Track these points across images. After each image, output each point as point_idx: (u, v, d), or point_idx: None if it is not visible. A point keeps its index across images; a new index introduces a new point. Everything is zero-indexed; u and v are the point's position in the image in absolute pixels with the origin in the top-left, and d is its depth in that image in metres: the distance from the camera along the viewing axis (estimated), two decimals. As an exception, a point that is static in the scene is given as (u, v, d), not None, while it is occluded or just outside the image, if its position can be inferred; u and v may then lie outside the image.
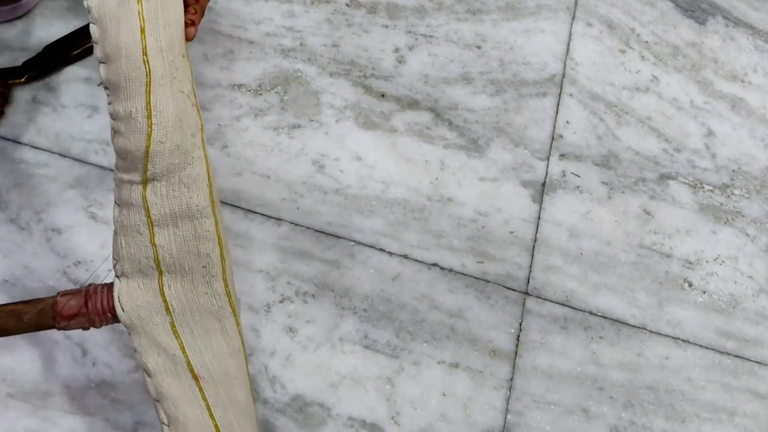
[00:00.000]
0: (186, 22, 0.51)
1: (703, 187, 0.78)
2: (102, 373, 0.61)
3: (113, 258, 0.50)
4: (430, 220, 0.72)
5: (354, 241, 0.70)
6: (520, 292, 0.69)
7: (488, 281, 0.69)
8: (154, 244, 0.49)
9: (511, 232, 0.72)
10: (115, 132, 0.49)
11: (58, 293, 0.50)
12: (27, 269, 0.64)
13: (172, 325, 0.49)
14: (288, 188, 0.71)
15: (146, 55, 0.48)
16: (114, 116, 0.49)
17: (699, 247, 0.74)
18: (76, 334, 0.62)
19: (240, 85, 0.76)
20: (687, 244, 0.74)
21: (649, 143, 0.79)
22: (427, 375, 0.64)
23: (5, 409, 0.59)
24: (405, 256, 0.69)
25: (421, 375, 0.64)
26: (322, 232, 0.70)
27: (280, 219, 0.70)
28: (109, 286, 0.50)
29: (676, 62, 0.85)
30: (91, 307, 0.50)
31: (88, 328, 0.50)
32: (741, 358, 0.70)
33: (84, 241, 0.66)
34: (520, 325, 0.68)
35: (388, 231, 0.70)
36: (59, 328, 0.50)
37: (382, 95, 0.77)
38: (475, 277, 0.69)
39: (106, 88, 0.49)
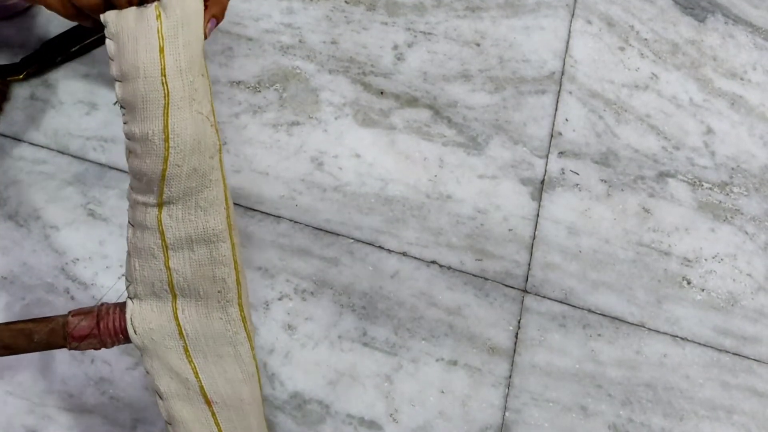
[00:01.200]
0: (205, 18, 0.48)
1: (702, 185, 0.78)
2: (101, 370, 0.61)
3: (126, 279, 0.49)
4: (428, 217, 0.72)
5: (353, 238, 0.70)
6: (518, 289, 0.69)
7: (487, 279, 0.69)
8: (168, 268, 0.48)
9: (509, 230, 0.72)
10: (130, 152, 0.48)
11: (70, 312, 0.49)
12: (25, 266, 0.64)
13: (186, 350, 0.48)
14: (287, 185, 0.71)
15: (165, 76, 0.46)
16: (130, 137, 0.47)
17: (698, 244, 0.74)
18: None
19: (239, 82, 0.76)
20: (686, 241, 0.74)
21: (649, 141, 0.79)
22: (425, 372, 0.65)
23: (3, 407, 0.59)
24: (404, 254, 0.69)
25: (419, 372, 0.64)
26: (320, 229, 0.70)
27: (278, 216, 0.70)
28: (122, 307, 0.49)
29: (676, 60, 0.85)
30: (103, 327, 0.49)
31: (99, 349, 0.49)
32: (739, 355, 0.70)
33: (82, 239, 0.66)
34: (519, 322, 0.68)
35: (387, 228, 0.70)
36: (70, 348, 0.49)
37: (381, 92, 0.77)
38: (473, 275, 0.69)
39: (121, 107, 0.47)
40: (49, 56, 0.72)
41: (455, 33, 0.82)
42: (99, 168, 0.69)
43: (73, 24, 0.73)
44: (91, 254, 0.65)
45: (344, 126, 0.75)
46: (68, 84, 0.73)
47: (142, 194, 0.48)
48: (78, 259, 0.65)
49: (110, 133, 0.71)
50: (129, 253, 0.49)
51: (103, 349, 0.61)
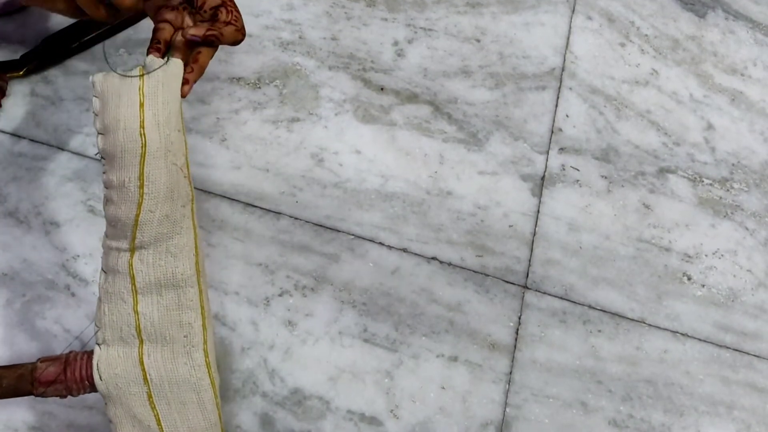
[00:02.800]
0: (182, 80, 0.51)
1: (703, 181, 0.78)
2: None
3: (95, 325, 0.50)
4: (429, 213, 0.72)
5: (353, 234, 0.70)
6: (519, 285, 0.69)
7: (487, 275, 0.69)
8: (136, 312, 0.49)
9: (510, 226, 0.72)
10: (107, 200, 0.50)
11: (39, 359, 0.50)
12: (26, 262, 0.64)
13: (149, 396, 0.49)
14: (287, 182, 0.71)
15: (143, 128, 0.49)
16: (107, 185, 0.50)
17: (698, 240, 0.74)
18: (76, 326, 0.62)
19: (239, 78, 0.76)
20: (686, 237, 0.74)
21: (649, 137, 0.79)
22: (426, 368, 0.65)
23: (4, 403, 0.59)
24: (404, 250, 0.69)
25: (420, 368, 0.64)
26: (321, 225, 0.70)
27: (279, 213, 0.69)
28: (89, 355, 0.50)
29: (676, 56, 0.85)
30: (70, 374, 0.50)
31: (65, 396, 0.50)
32: (740, 351, 0.70)
33: (82, 235, 0.66)
34: (519, 318, 0.68)
35: (387, 225, 0.70)
36: (36, 394, 0.50)
37: (381, 89, 0.77)
38: (474, 271, 0.69)
39: (102, 157, 0.50)
40: (49, 53, 0.72)
41: (455, 29, 0.82)
42: (99, 164, 0.69)
43: (73, 21, 0.73)
44: (91, 251, 0.65)
45: (344, 122, 0.75)
46: (68, 80, 0.73)
47: (116, 240, 0.50)
48: (78, 256, 0.65)
49: None
50: (99, 299, 0.50)
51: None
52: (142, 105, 0.49)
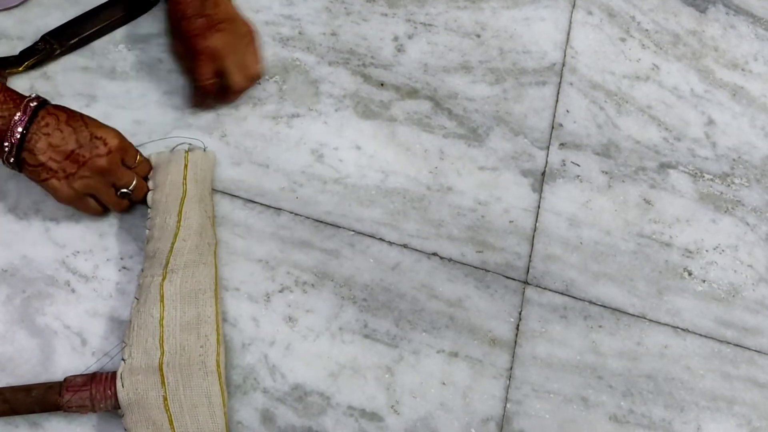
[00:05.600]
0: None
1: (703, 176, 0.78)
2: (101, 362, 0.61)
3: (123, 341, 0.58)
4: (429, 209, 0.71)
5: (353, 230, 0.69)
6: (519, 281, 0.69)
7: (488, 270, 0.69)
8: (162, 326, 0.57)
9: (510, 222, 0.72)
10: (148, 239, 0.62)
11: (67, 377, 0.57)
12: (26, 259, 0.64)
13: (165, 399, 0.55)
14: (287, 177, 0.71)
15: (185, 180, 0.65)
16: (150, 227, 0.63)
17: (699, 236, 0.74)
18: (75, 323, 0.62)
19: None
20: (687, 233, 0.74)
21: (650, 132, 0.79)
22: (426, 364, 0.65)
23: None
24: (404, 246, 0.69)
25: (420, 364, 0.64)
26: (321, 221, 0.69)
27: (279, 208, 0.69)
28: (114, 373, 0.57)
29: (677, 51, 0.84)
30: (95, 386, 0.56)
31: (87, 410, 0.56)
32: (740, 347, 0.70)
33: (82, 231, 0.66)
34: (520, 314, 0.68)
35: (388, 220, 0.70)
36: (62, 405, 0.55)
37: (382, 84, 0.77)
38: (474, 267, 0.69)
39: (149, 207, 0.64)
40: (47, 48, 0.71)
41: (455, 24, 0.82)
42: (99, 160, 0.69)
43: (72, 17, 0.73)
44: (91, 247, 0.65)
45: (344, 118, 0.75)
46: (67, 77, 0.72)
47: (152, 269, 0.60)
48: (78, 252, 0.65)
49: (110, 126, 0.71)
50: (130, 321, 0.59)
51: (104, 342, 0.62)
52: (185, 166, 0.65)
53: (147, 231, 0.63)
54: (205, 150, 0.69)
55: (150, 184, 0.65)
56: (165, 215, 0.62)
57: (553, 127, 0.77)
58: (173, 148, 0.68)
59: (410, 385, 0.64)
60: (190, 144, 0.69)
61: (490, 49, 0.81)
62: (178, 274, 0.59)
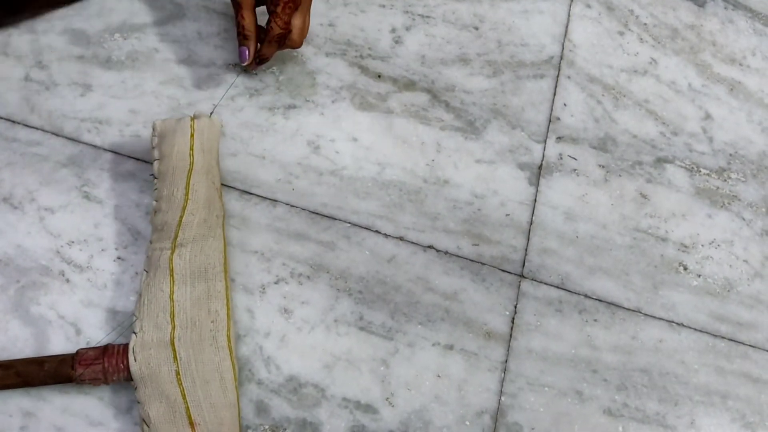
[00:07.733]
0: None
1: (700, 171, 0.78)
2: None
3: (134, 315, 0.58)
4: (425, 202, 0.71)
5: (349, 222, 0.69)
6: (515, 274, 0.69)
7: (484, 264, 0.69)
8: (172, 300, 0.57)
9: (507, 215, 0.72)
10: (156, 211, 0.62)
11: (78, 350, 0.58)
12: (20, 249, 0.64)
13: (177, 373, 0.55)
14: (283, 169, 0.71)
15: (192, 150, 0.63)
16: (157, 198, 0.62)
17: (694, 230, 0.74)
18: (70, 312, 0.62)
19: (235, 64, 0.75)
20: (683, 227, 0.74)
21: (647, 126, 0.79)
22: (421, 357, 0.65)
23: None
24: (400, 238, 0.69)
25: (415, 357, 0.64)
26: (317, 213, 0.69)
27: (275, 200, 0.69)
28: (126, 345, 0.57)
29: (675, 45, 0.84)
30: (107, 359, 0.56)
31: (100, 382, 0.56)
32: (735, 341, 0.70)
33: (77, 221, 0.65)
34: (515, 307, 0.68)
35: (384, 213, 0.70)
36: (75, 378, 0.56)
37: (379, 76, 0.77)
38: (470, 260, 0.69)
39: (155, 178, 0.63)
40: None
41: (453, 16, 0.81)
42: (94, 150, 0.69)
43: None
44: (86, 237, 0.65)
45: (341, 109, 0.74)
46: (62, 65, 0.72)
47: (160, 242, 0.60)
48: (73, 242, 0.65)
49: (105, 115, 0.71)
50: (140, 295, 0.59)
51: (98, 332, 0.61)
52: (192, 135, 0.64)
53: (154, 202, 0.63)
54: (210, 116, 0.68)
55: (155, 153, 0.64)
56: (172, 188, 0.62)
57: (550, 121, 0.77)
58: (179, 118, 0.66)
59: (405, 378, 0.64)
60: (195, 111, 0.68)
61: (488, 41, 0.80)
62: (187, 248, 0.59)
